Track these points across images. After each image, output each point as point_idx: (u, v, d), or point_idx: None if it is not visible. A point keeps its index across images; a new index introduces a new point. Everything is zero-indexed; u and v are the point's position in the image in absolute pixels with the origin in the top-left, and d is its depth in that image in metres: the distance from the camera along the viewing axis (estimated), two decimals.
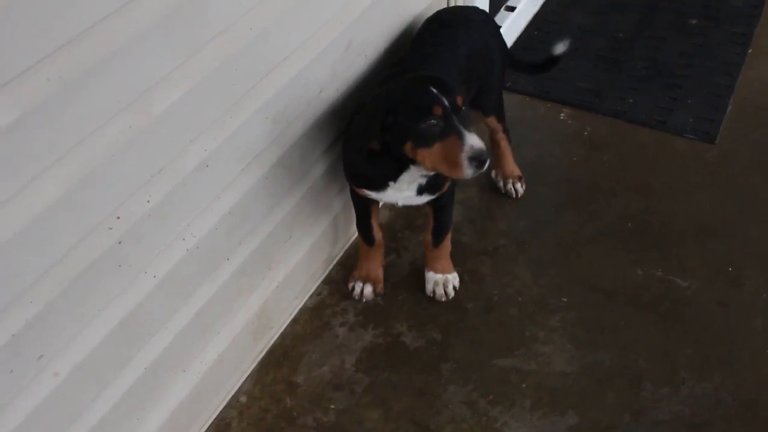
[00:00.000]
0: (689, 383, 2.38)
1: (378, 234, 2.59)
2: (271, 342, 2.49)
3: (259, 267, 2.33)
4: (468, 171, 2.09)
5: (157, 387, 2.07)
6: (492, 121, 2.83)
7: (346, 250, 2.78)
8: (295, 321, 2.56)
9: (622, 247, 2.77)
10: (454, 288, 2.62)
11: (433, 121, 2.08)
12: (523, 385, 2.39)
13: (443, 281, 2.61)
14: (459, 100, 2.11)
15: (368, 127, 2.17)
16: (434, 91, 2.09)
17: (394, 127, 2.13)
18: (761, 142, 3.17)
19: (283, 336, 2.52)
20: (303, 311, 2.59)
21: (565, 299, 2.61)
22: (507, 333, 2.53)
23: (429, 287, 2.62)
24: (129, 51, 1.66)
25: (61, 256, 1.66)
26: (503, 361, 2.45)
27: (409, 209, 2.84)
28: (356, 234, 2.68)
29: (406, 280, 2.68)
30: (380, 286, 2.63)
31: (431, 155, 2.11)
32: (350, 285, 2.63)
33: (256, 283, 2.35)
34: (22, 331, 1.61)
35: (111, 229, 1.76)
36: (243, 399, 2.37)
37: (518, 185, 2.94)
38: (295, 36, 2.18)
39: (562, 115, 3.30)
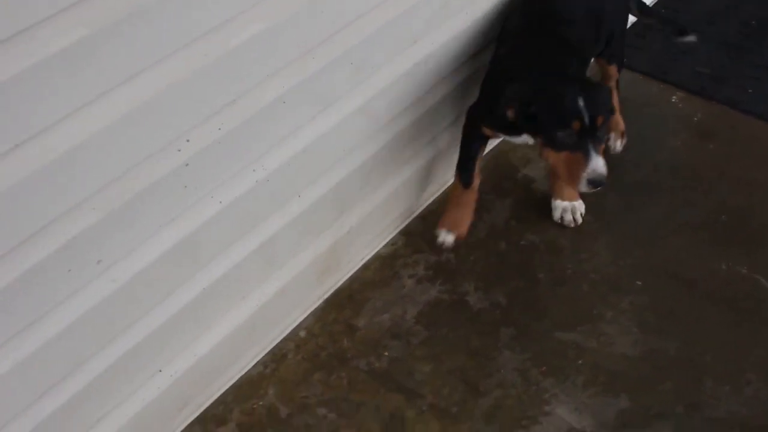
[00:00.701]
0: (755, 385, 2.30)
1: (476, 178, 2.52)
2: (339, 283, 2.54)
3: (331, 208, 2.37)
4: (583, 188, 2.19)
5: (214, 309, 2.15)
6: (613, 69, 2.82)
7: (428, 205, 2.79)
8: (365, 266, 2.61)
9: (711, 239, 2.68)
10: (581, 215, 2.68)
11: (569, 132, 2.14)
12: (580, 362, 2.36)
13: (570, 208, 2.69)
14: (599, 120, 2.14)
15: (498, 105, 2.25)
16: (581, 103, 2.12)
17: (531, 118, 2.20)
18: None
19: (352, 279, 2.57)
20: (375, 258, 2.63)
21: (640, 283, 2.55)
22: (574, 308, 2.50)
23: (557, 214, 2.70)
24: None
25: (126, 170, 1.73)
26: (564, 335, 2.43)
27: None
28: (439, 191, 2.69)
29: (483, 242, 2.67)
30: (463, 234, 2.54)
31: (556, 158, 2.20)
32: (437, 231, 2.55)
33: (327, 224, 2.39)
34: (82, 234, 1.70)
35: (180, 151, 1.83)
36: (302, 334, 2.44)
37: (618, 142, 2.90)
38: None
39: (674, 97, 3.18)
